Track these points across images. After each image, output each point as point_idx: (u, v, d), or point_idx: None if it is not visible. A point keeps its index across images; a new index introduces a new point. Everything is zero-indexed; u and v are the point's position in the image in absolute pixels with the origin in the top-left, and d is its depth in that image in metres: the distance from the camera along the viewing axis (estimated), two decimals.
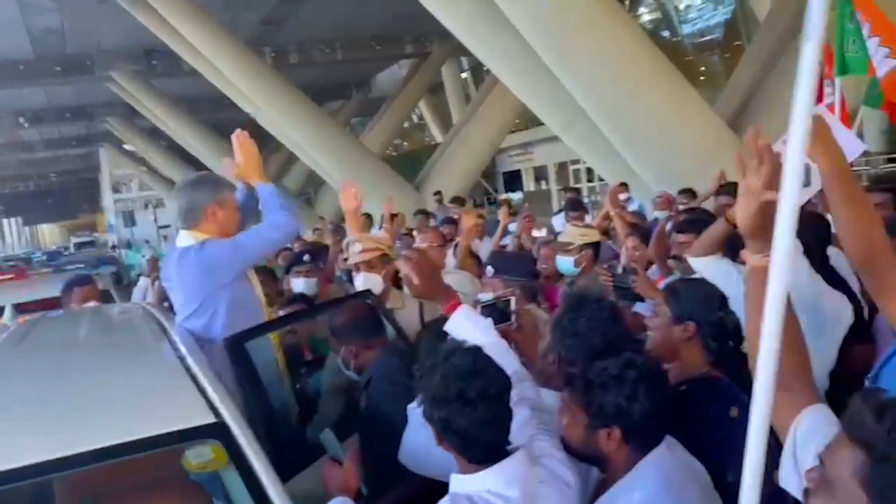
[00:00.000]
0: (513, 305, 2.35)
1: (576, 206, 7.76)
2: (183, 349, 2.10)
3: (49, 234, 73.47)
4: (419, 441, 1.94)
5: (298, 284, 4.63)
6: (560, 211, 9.12)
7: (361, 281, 3.62)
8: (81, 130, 34.91)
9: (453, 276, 4.24)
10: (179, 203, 2.65)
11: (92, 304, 4.28)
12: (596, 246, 4.01)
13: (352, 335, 2.68)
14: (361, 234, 4.28)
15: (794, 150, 1.14)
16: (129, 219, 27.75)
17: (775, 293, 1.20)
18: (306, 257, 4.96)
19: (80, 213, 63.33)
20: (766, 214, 1.38)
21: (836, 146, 1.98)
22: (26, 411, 1.77)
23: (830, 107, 5.17)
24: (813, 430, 1.41)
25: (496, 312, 2.35)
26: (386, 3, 19.20)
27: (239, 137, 2.84)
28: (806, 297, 2.27)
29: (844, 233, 1.98)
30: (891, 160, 15.34)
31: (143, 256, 24.16)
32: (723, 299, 2.25)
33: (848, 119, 5.52)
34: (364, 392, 2.60)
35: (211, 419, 1.65)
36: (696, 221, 3.62)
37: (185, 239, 2.63)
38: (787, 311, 1.25)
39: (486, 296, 2.59)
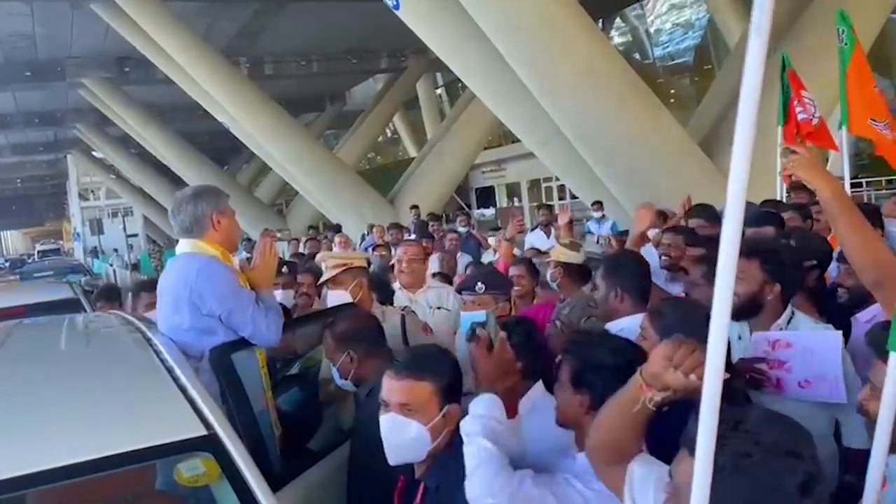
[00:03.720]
0: None
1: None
2: (170, 360, 2.06)
3: (13, 241, 71.96)
4: None
5: (276, 295, 4.61)
6: (536, 227, 9.19)
7: (330, 298, 3.62)
8: (49, 136, 34.35)
9: (436, 291, 4.25)
10: (183, 215, 2.63)
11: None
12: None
13: (357, 342, 2.65)
14: (326, 253, 4.28)
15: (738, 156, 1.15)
16: (97, 227, 27.27)
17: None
18: (284, 269, 4.93)
19: (46, 220, 62.12)
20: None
21: (832, 175, 2.17)
22: (12, 422, 1.72)
23: (806, 122, 5.33)
24: (646, 473, 1.60)
25: None
26: (362, 18, 19.24)
27: (267, 242, 2.84)
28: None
29: (855, 255, 2.15)
30: (855, 185, 15.78)
31: (111, 265, 23.81)
32: (709, 318, 2.27)
33: (830, 138, 5.68)
34: (363, 402, 2.55)
35: (202, 431, 1.63)
36: (707, 237, 3.78)
37: (191, 247, 2.61)
38: None
39: None
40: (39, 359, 2.36)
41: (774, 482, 1.23)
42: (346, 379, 2.66)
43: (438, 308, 4.11)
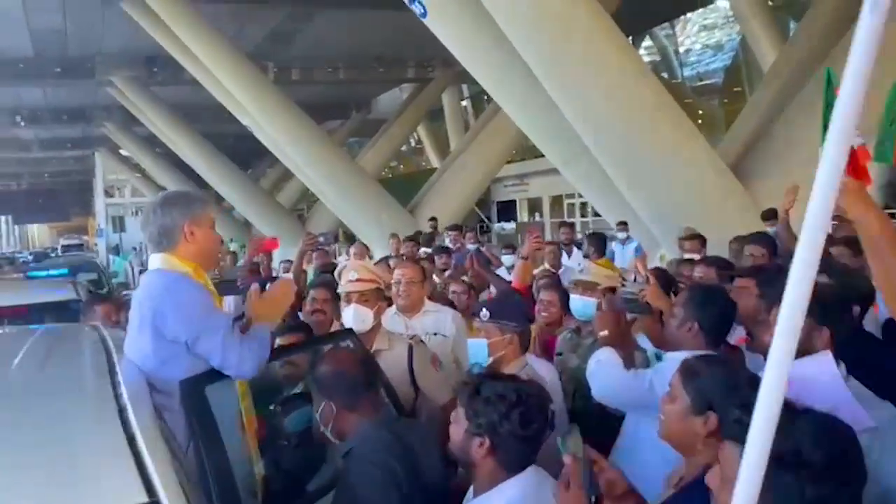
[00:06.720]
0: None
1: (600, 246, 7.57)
2: (125, 395, 1.70)
3: (39, 234, 72.77)
4: None
5: None
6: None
7: (351, 314, 3.30)
8: (77, 133, 34.61)
9: (433, 315, 3.97)
10: (151, 226, 2.31)
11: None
12: (613, 291, 3.74)
13: (334, 391, 2.33)
14: (359, 262, 3.99)
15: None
16: (120, 224, 27.30)
17: None
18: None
19: (72, 215, 62.72)
20: None
21: (878, 208, 1.98)
22: None
23: (863, 147, 4.99)
24: None
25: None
26: (391, 27, 19.11)
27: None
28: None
29: None
30: (891, 215, 15.33)
31: (130, 263, 23.82)
32: (752, 380, 1.94)
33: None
34: (342, 462, 2.26)
35: (142, 499, 1.25)
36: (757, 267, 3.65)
37: (161, 262, 2.32)
38: None
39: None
40: None
41: None
42: (327, 428, 2.35)
43: (435, 334, 3.84)
